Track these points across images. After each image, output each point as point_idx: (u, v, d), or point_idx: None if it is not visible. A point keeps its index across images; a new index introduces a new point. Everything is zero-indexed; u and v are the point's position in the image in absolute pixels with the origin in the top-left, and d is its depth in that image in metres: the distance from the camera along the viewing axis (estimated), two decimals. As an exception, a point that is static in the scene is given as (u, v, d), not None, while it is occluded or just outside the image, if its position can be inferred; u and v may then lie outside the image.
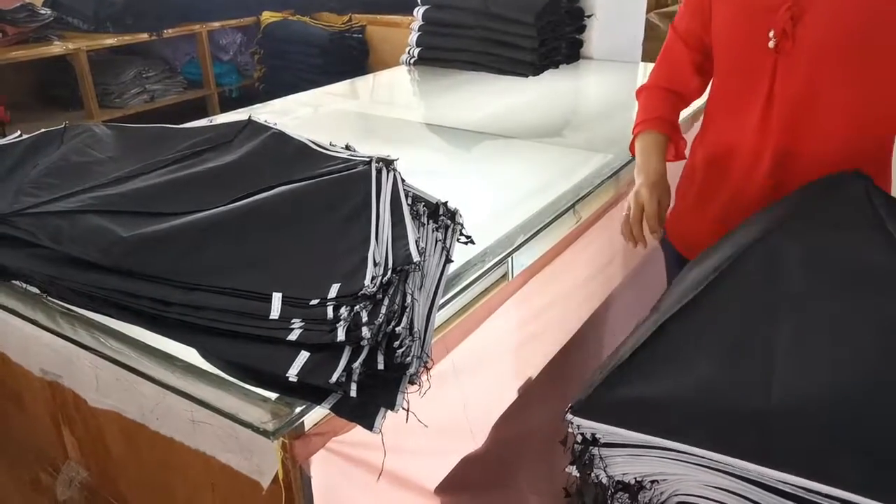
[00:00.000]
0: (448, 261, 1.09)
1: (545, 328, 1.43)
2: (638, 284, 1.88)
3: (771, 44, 1.14)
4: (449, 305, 1.10)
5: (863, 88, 1.13)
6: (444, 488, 1.18)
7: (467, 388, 1.16)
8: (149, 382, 0.91)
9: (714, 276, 0.94)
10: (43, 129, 1.40)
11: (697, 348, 0.82)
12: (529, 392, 1.41)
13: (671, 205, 1.35)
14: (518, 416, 1.36)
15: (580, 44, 2.74)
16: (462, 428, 1.19)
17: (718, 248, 1.09)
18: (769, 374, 0.75)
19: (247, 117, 1.41)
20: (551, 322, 1.46)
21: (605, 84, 2.57)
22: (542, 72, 2.54)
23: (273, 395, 0.82)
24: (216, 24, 4.36)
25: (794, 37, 1.12)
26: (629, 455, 0.79)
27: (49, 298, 1.02)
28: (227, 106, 4.47)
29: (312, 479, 0.86)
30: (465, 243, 1.14)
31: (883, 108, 1.15)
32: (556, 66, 2.62)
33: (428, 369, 0.87)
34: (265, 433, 0.79)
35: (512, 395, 1.35)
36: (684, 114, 1.46)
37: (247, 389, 0.83)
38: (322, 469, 0.87)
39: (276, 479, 0.83)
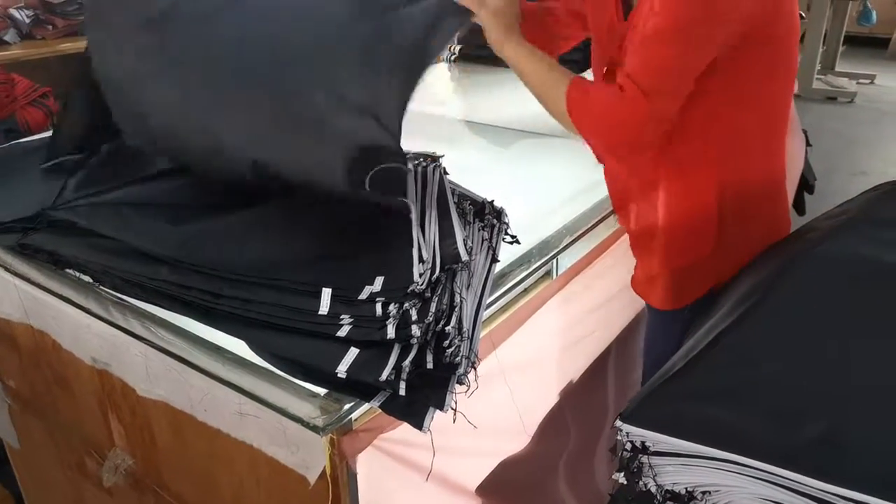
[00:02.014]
0: (494, 260, 1.08)
1: (588, 331, 1.42)
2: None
3: None
4: (494, 305, 1.09)
5: None
6: (484, 489, 1.17)
7: (513, 386, 1.15)
8: (198, 373, 0.92)
9: (769, 285, 0.92)
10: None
11: (756, 361, 0.80)
12: (571, 395, 1.39)
13: None
14: (559, 418, 1.35)
15: (625, 42, 2.70)
16: (508, 427, 1.18)
17: (774, 254, 1.06)
18: (832, 392, 0.73)
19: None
20: (594, 325, 1.44)
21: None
22: (586, 69, 2.50)
23: (322, 391, 0.82)
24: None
25: None
26: (680, 465, 0.77)
27: (101, 287, 1.04)
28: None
29: (358, 476, 0.86)
30: (511, 243, 1.13)
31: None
32: (600, 65, 2.59)
33: (475, 369, 0.86)
34: (315, 428, 0.79)
35: (554, 398, 1.34)
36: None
37: (296, 384, 0.83)
38: (368, 466, 0.87)
39: (322, 474, 0.83)
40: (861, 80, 5.50)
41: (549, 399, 1.33)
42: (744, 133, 1.11)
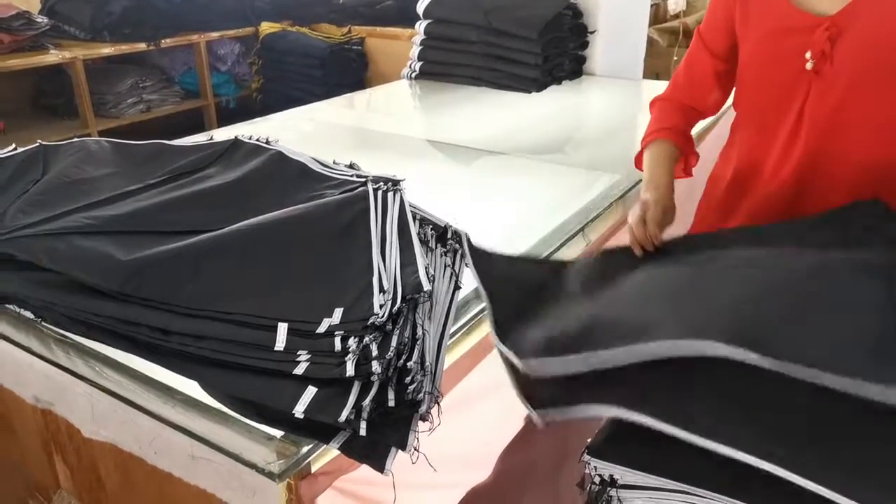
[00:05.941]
0: (457, 287, 1.06)
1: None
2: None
3: (808, 65, 1.10)
4: (458, 333, 1.07)
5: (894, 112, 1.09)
6: (450, 522, 1.14)
7: (477, 417, 1.12)
8: (146, 415, 0.87)
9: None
10: (38, 143, 1.37)
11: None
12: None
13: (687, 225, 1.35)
14: (523, 445, 1.33)
15: (583, 60, 2.72)
16: (473, 457, 1.15)
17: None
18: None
19: (234, 137, 1.36)
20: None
21: (608, 100, 2.55)
22: (544, 88, 2.52)
23: (278, 433, 0.78)
24: (214, 35, 4.32)
25: (832, 58, 1.09)
26: (649, 498, 0.76)
27: (44, 324, 0.98)
28: (224, 116, 4.43)
29: (318, 520, 0.82)
30: (474, 268, 1.11)
31: None
32: (559, 83, 2.60)
33: (439, 404, 0.84)
34: (270, 475, 0.75)
35: (518, 423, 1.32)
36: (697, 128, 1.43)
37: (250, 426, 0.79)
38: (328, 508, 0.83)
39: (280, 519, 0.79)
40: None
41: (514, 424, 1.31)
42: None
